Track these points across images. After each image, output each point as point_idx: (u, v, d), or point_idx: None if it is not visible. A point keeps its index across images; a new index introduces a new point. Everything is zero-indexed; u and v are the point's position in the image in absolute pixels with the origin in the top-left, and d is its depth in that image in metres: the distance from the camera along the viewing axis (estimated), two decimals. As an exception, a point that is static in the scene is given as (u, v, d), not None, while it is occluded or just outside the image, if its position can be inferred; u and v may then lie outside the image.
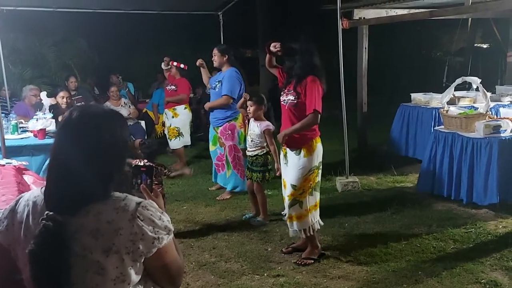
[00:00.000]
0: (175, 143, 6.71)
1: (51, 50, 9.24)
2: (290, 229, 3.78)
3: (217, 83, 5.33)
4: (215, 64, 5.34)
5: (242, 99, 4.89)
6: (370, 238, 4.17)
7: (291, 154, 3.67)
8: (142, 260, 1.34)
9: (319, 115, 3.54)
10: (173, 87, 6.73)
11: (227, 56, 5.26)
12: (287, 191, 3.72)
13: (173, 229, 1.41)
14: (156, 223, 1.36)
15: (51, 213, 1.29)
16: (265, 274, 3.56)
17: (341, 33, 5.61)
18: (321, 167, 3.73)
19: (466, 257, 3.72)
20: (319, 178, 3.74)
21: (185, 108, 6.81)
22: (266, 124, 4.48)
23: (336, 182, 5.71)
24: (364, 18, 6.66)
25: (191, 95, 9.18)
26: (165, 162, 5.30)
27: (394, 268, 3.59)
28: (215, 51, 5.30)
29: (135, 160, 4.25)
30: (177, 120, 6.73)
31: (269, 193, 5.30)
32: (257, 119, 4.52)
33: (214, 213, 4.96)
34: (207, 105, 5.50)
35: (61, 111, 5.87)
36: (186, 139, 6.88)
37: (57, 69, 9.26)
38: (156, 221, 1.36)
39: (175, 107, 6.74)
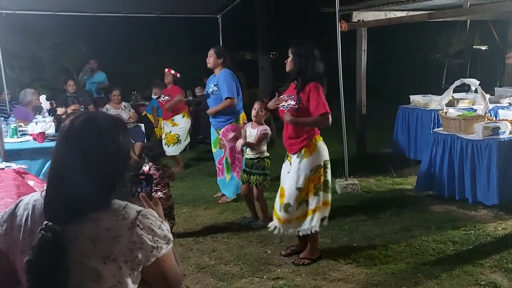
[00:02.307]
0: (172, 150, 6.72)
1: (49, 53, 9.23)
2: (289, 230, 3.75)
3: (213, 88, 5.24)
4: (209, 65, 5.30)
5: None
6: (369, 240, 4.18)
7: (295, 160, 3.66)
8: (140, 269, 1.34)
9: (329, 116, 3.53)
10: (166, 97, 6.75)
11: (222, 59, 5.24)
12: (292, 196, 3.67)
13: (172, 239, 1.40)
14: (156, 232, 1.35)
15: (49, 223, 1.28)
16: (265, 277, 3.56)
17: (340, 36, 5.63)
18: (328, 165, 3.68)
19: (466, 259, 3.72)
20: (326, 177, 3.67)
21: (183, 116, 6.82)
22: (265, 127, 4.49)
23: (335, 184, 5.69)
24: (362, 20, 6.67)
25: (190, 97, 9.20)
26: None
27: (394, 270, 3.58)
28: (212, 52, 5.26)
29: (143, 167, 4.26)
30: (177, 128, 6.79)
31: (270, 195, 5.29)
32: (259, 123, 4.53)
33: (213, 216, 4.95)
34: (211, 111, 5.27)
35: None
36: (182, 146, 6.93)
37: (56, 72, 9.26)
38: (155, 230, 1.35)
39: (173, 117, 6.78)
